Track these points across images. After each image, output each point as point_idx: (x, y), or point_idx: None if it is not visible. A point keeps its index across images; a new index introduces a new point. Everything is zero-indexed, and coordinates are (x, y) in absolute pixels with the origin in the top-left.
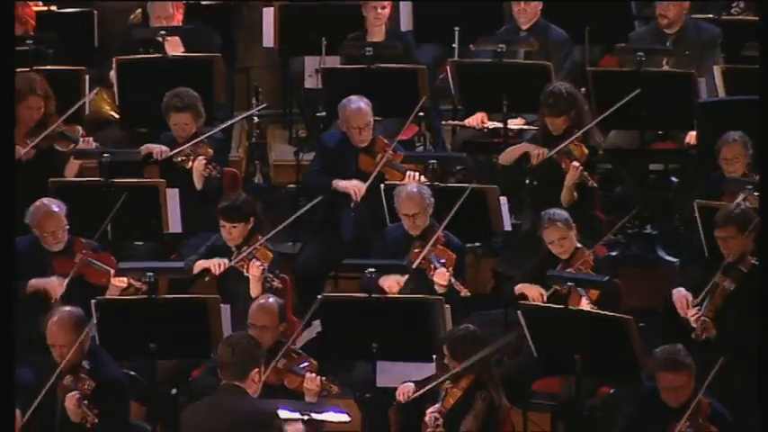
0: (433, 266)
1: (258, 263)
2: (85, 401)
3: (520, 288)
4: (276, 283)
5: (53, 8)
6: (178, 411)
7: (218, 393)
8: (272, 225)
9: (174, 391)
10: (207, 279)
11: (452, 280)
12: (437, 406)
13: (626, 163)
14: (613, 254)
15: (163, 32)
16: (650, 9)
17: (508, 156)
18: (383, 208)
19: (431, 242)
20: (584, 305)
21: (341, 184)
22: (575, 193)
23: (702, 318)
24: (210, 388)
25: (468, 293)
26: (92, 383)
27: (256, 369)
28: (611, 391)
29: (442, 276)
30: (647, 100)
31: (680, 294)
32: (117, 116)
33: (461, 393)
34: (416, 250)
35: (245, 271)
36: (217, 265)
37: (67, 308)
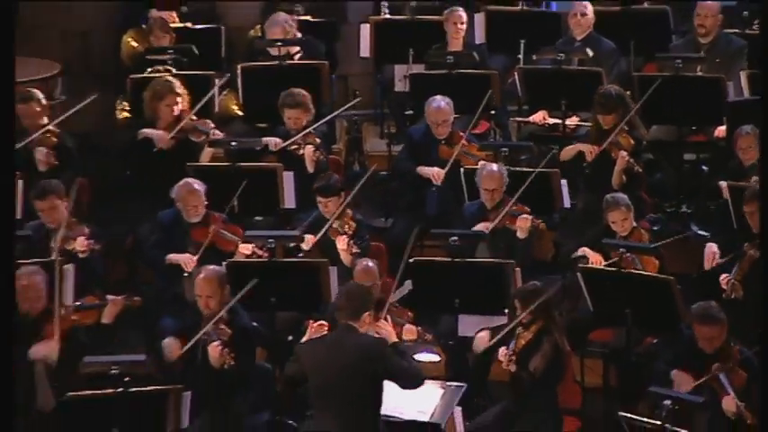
0: (515, 219)
1: (344, 236)
2: (225, 348)
3: (583, 250)
4: (356, 249)
5: (188, 24)
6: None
7: (336, 331)
8: (365, 203)
9: (290, 338)
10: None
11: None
12: (510, 347)
13: (665, 153)
14: (655, 228)
15: (279, 44)
16: (686, 24)
17: (566, 153)
18: (461, 189)
19: (510, 204)
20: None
21: (424, 170)
22: (623, 177)
23: (732, 281)
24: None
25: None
26: (228, 331)
27: (367, 313)
28: (655, 340)
29: (524, 221)
30: (683, 100)
31: (711, 249)
32: (241, 113)
33: (531, 337)
34: (493, 216)
35: (336, 241)
36: (307, 240)
37: (212, 266)
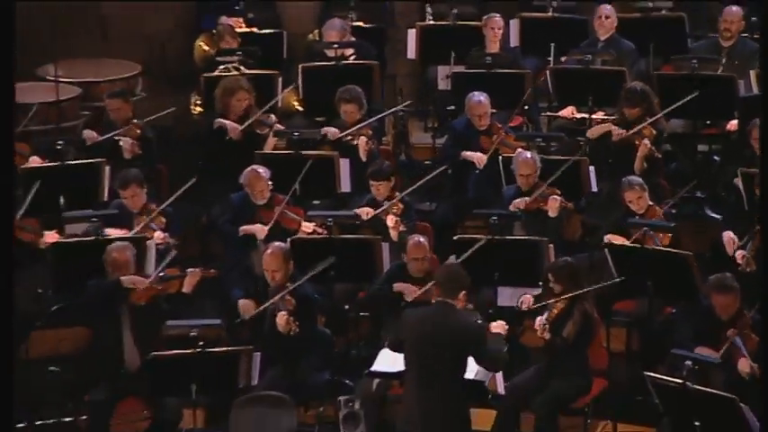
0: (547, 200)
1: (392, 216)
2: (291, 317)
3: (609, 237)
4: (403, 228)
5: (254, 30)
6: (347, 321)
7: (435, 306)
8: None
9: (346, 306)
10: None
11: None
12: (545, 315)
13: (681, 145)
14: (673, 211)
15: (335, 46)
16: (700, 30)
17: (595, 131)
18: (499, 176)
19: (543, 187)
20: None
21: (468, 154)
22: (644, 164)
23: (747, 256)
24: (370, 305)
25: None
26: (293, 300)
27: (464, 291)
28: (674, 310)
29: (554, 202)
30: (699, 96)
31: (729, 236)
32: (301, 108)
33: (564, 306)
34: (527, 199)
35: (386, 220)
36: (365, 212)
37: (278, 243)
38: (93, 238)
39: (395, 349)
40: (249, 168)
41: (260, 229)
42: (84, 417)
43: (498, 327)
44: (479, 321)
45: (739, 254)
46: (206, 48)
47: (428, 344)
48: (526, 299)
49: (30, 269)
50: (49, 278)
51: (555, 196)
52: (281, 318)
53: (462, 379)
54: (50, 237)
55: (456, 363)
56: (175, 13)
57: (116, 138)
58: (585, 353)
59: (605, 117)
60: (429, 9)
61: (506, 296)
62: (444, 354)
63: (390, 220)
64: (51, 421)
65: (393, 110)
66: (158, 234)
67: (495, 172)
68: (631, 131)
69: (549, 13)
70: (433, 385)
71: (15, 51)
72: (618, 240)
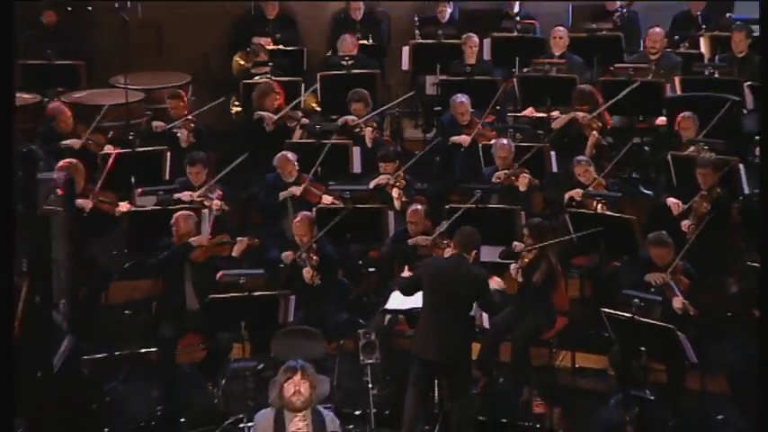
0: (518, 177)
1: (397, 190)
2: (315, 271)
3: (569, 194)
4: (405, 198)
5: (280, 46)
6: (361, 274)
7: (452, 257)
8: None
9: (360, 262)
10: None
11: (531, 180)
12: (517, 263)
13: (620, 136)
14: (615, 188)
15: (346, 59)
16: (633, 45)
17: (559, 122)
18: (479, 159)
19: (515, 167)
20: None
21: (455, 138)
22: (593, 150)
23: (691, 225)
24: (390, 258)
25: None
26: (317, 258)
27: (475, 251)
28: (619, 263)
29: (524, 178)
30: (633, 98)
31: (672, 201)
32: (319, 109)
33: (533, 257)
34: (506, 172)
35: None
36: (375, 183)
37: (305, 212)
38: (161, 207)
39: (405, 291)
40: (280, 153)
41: (296, 189)
42: (154, 349)
43: (495, 282)
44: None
45: (685, 223)
46: (242, 62)
47: (445, 285)
48: (518, 244)
49: (108, 233)
50: (124, 240)
51: (524, 174)
52: (307, 272)
53: (468, 315)
54: (124, 206)
55: (465, 302)
56: (217, 35)
57: (174, 130)
58: (550, 296)
59: (559, 115)
60: (418, 31)
61: (488, 253)
62: (457, 294)
63: (395, 193)
64: (127, 352)
65: (396, 102)
66: (216, 202)
67: (475, 157)
68: (586, 121)
69: (515, 34)
70: (446, 318)
71: (88, 62)
72: (575, 194)
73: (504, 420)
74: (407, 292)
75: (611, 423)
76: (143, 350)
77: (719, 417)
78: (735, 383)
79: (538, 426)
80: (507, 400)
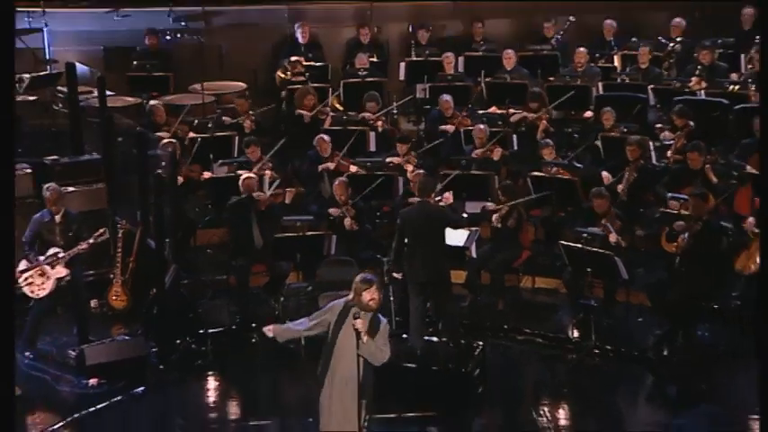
0: (494, 151)
1: (409, 164)
2: (352, 220)
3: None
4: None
5: (312, 63)
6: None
7: (418, 203)
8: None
9: (377, 213)
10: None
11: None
12: (497, 215)
13: (558, 125)
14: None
15: (361, 70)
16: (567, 59)
17: (515, 117)
18: (461, 142)
19: (490, 144)
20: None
21: (443, 127)
22: (543, 134)
23: (623, 189)
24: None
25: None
26: (353, 211)
27: (433, 193)
28: (563, 213)
29: (498, 152)
30: (570, 96)
31: (605, 174)
32: (342, 108)
33: (507, 210)
34: (481, 149)
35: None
36: (391, 160)
37: (341, 177)
38: (232, 174)
39: (398, 245)
40: (318, 136)
41: (330, 163)
42: (232, 276)
43: (445, 198)
44: (444, 206)
45: (620, 187)
46: (282, 75)
47: (419, 224)
48: (492, 208)
49: (195, 194)
50: (207, 198)
51: (498, 149)
52: (347, 221)
53: (444, 243)
54: (206, 174)
55: (438, 232)
56: (262, 55)
57: (240, 121)
58: (519, 236)
59: (515, 111)
60: (413, 50)
61: (471, 207)
62: (430, 227)
63: (408, 167)
64: (212, 278)
65: (400, 102)
66: (269, 172)
67: (457, 141)
68: (536, 116)
69: (480, 53)
70: (427, 248)
71: (175, 74)
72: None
73: (487, 324)
74: (399, 244)
75: (562, 324)
76: (224, 276)
77: (639, 319)
78: (652, 297)
79: (506, 326)
80: (487, 309)
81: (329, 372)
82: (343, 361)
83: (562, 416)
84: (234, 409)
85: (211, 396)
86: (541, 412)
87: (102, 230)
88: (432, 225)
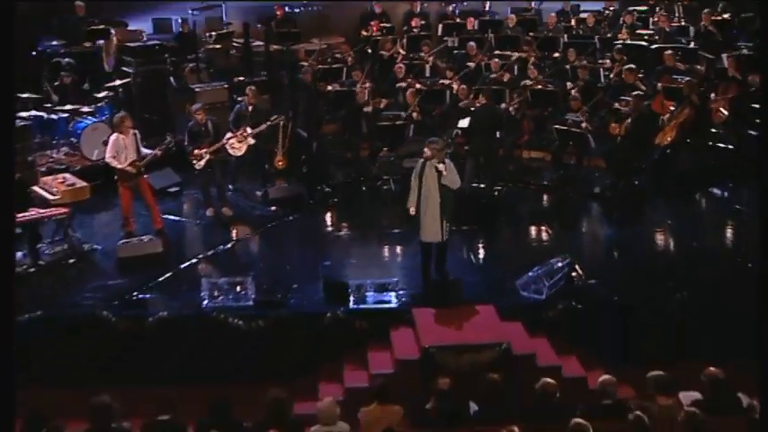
0: (503, 74)
1: (455, 84)
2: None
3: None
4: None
5: (384, 24)
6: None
7: (480, 106)
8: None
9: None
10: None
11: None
12: (512, 108)
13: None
14: None
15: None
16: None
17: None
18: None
19: (500, 71)
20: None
21: (468, 63)
22: (533, 65)
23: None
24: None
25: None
26: (419, 108)
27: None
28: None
29: (506, 76)
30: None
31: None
32: (404, 51)
33: (517, 104)
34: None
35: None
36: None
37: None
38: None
39: (411, 197)
40: (396, 65)
41: (404, 83)
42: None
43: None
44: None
45: (573, 91)
46: (365, 33)
47: (480, 117)
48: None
49: (322, 100)
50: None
51: (506, 74)
52: (415, 115)
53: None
54: (329, 87)
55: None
56: (351, 21)
57: (345, 56)
58: (521, 124)
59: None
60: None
61: None
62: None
63: (454, 85)
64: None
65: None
66: (368, 85)
67: (479, 71)
68: (525, 55)
69: (487, 18)
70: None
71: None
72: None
73: (505, 176)
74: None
75: (549, 177)
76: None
77: (597, 174)
78: (607, 162)
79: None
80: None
81: (422, 199)
82: (431, 192)
83: (545, 230)
84: (345, 230)
85: (333, 221)
86: (537, 228)
87: (275, 117)
88: (487, 119)
